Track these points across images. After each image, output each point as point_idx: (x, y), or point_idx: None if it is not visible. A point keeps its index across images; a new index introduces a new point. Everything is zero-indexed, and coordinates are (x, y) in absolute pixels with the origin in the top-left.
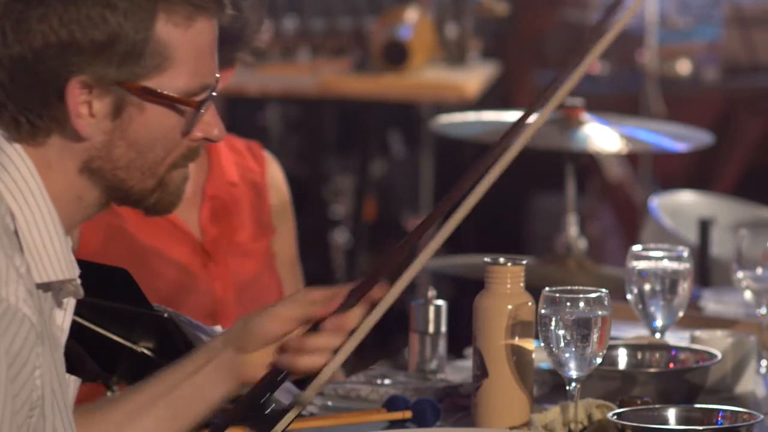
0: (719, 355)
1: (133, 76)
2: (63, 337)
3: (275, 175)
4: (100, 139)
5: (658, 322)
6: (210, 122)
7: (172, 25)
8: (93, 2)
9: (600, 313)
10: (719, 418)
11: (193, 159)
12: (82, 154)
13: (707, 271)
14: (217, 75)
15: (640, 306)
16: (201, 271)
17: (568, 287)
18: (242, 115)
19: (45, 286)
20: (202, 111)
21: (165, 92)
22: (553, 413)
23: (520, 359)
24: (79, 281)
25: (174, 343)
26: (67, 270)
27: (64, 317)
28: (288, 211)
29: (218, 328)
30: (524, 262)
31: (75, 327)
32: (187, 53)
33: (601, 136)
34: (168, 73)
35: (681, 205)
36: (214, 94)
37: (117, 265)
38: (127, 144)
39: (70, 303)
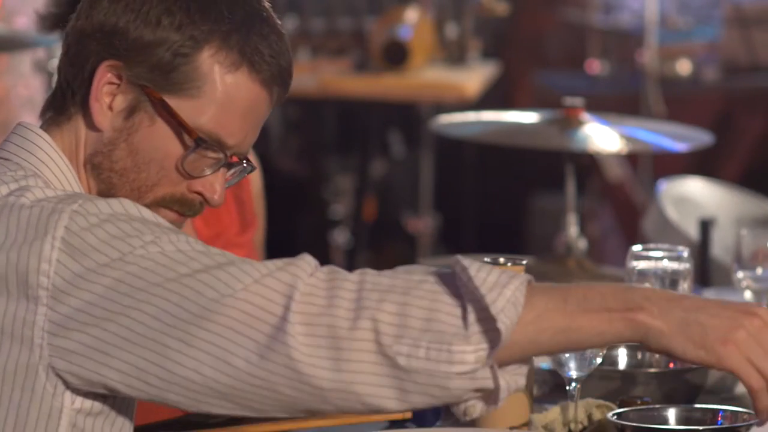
0: None
1: (159, 86)
2: None
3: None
4: (108, 135)
5: None
6: (214, 183)
7: (215, 61)
8: (158, 2)
9: None
10: (719, 418)
11: (183, 211)
12: (91, 146)
13: (707, 272)
14: (246, 154)
15: None
16: None
17: None
18: None
19: None
20: (199, 149)
21: (177, 113)
22: (553, 413)
23: None
24: None
25: None
26: None
27: None
28: (262, 200)
29: None
30: (524, 262)
31: None
32: (217, 96)
33: (601, 136)
34: (191, 102)
35: (687, 193)
36: (228, 160)
37: None
38: (128, 149)
39: None
